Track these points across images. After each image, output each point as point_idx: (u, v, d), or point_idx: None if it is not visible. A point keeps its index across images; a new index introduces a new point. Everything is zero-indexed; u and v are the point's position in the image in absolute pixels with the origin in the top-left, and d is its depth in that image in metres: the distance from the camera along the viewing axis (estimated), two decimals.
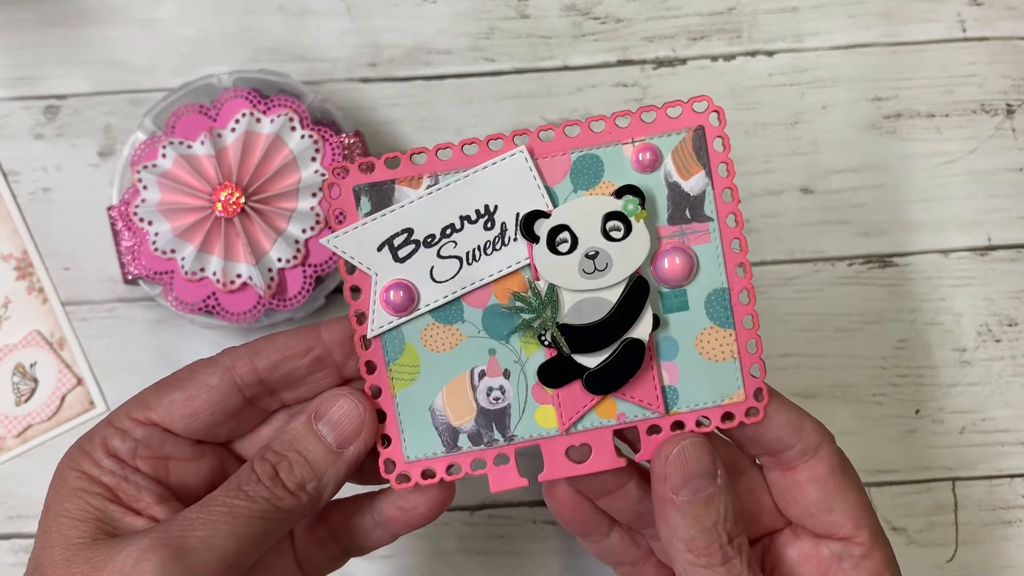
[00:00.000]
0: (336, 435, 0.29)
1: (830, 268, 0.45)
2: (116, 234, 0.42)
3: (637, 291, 0.30)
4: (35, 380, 0.44)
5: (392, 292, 0.30)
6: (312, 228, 0.41)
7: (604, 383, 0.30)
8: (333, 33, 0.46)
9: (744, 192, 0.45)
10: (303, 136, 0.41)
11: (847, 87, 0.46)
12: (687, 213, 0.30)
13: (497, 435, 0.31)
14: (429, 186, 0.30)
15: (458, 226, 0.30)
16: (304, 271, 0.41)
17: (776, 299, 0.44)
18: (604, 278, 0.30)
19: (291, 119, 0.41)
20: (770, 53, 0.46)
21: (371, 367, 0.31)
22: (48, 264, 0.45)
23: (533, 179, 0.30)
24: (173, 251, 0.41)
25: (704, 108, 0.30)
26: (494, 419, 0.31)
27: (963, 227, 0.45)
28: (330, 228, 0.40)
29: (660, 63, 0.46)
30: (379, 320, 0.30)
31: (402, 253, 0.30)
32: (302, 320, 0.43)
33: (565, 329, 0.30)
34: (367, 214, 0.30)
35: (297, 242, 0.41)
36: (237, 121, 0.41)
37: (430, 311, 0.30)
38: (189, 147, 0.41)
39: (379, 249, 0.30)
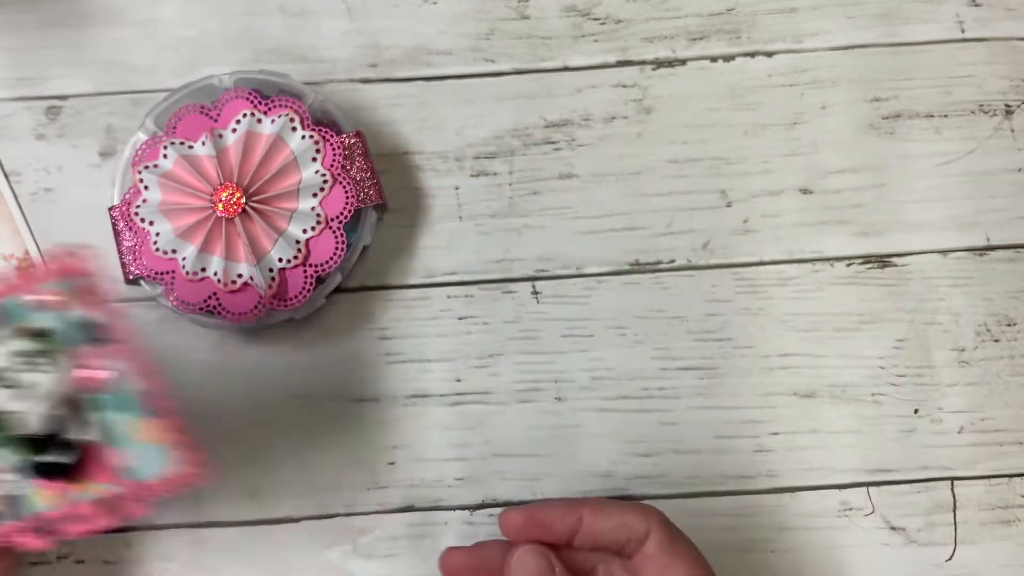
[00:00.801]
0: None
1: (829, 268, 0.45)
2: (117, 234, 0.42)
3: (66, 407, 0.34)
4: None
5: None
6: (313, 228, 0.41)
7: (61, 474, 0.34)
8: (333, 34, 0.47)
9: (743, 193, 0.46)
10: (304, 136, 0.41)
11: (846, 88, 0.46)
12: (96, 338, 0.34)
13: (11, 513, 0.34)
14: None
15: None
16: (305, 271, 0.41)
17: (775, 299, 0.45)
18: (33, 403, 0.33)
19: (292, 119, 0.41)
20: (769, 54, 0.47)
21: None
22: (50, 264, 0.45)
23: None
24: (174, 251, 0.41)
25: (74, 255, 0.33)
26: (9, 502, 0.34)
27: (962, 227, 0.45)
28: (331, 229, 0.41)
29: (660, 64, 0.47)
30: None
31: None
32: (302, 320, 0.44)
33: (21, 441, 0.34)
34: None
35: (298, 242, 0.41)
36: (238, 122, 0.41)
37: None
38: (190, 147, 0.41)
39: None
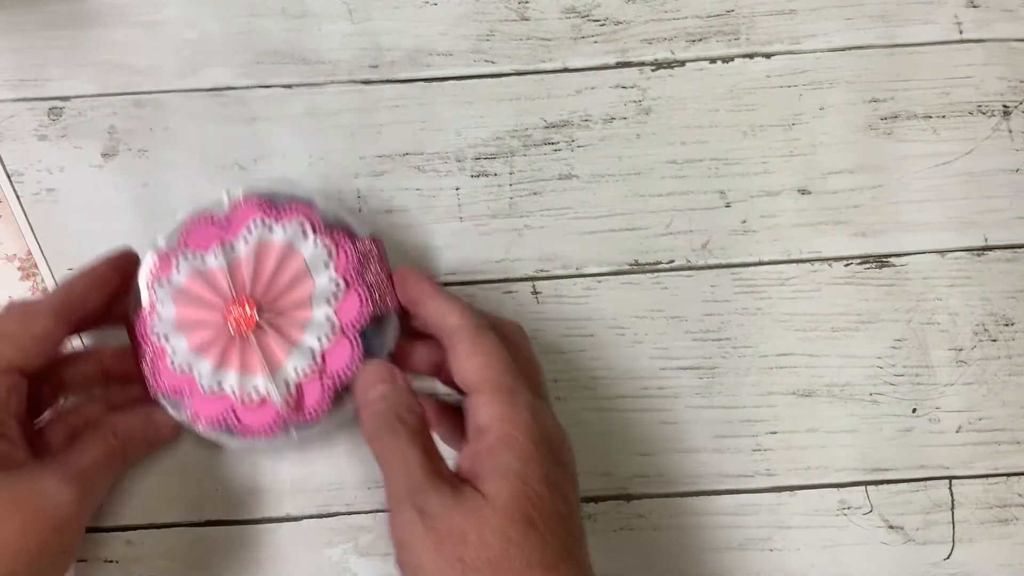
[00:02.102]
0: (157, 437, 0.40)
1: (827, 268, 0.45)
2: (136, 348, 0.41)
3: None
4: None
5: None
6: (328, 337, 0.39)
7: None
8: (335, 35, 0.47)
9: (742, 193, 0.46)
10: (316, 243, 0.40)
11: (844, 89, 0.47)
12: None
13: None
14: None
15: None
16: (323, 382, 0.39)
17: (773, 299, 0.45)
18: None
19: (303, 226, 0.40)
20: (768, 55, 0.47)
21: None
22: (52, 265, 0.45)
23: None
24: (190, 367, 0.39)
25: None
26: None
27: (959, 227, 0.46)
28: (347, 337, 0.40)
29: (659, 65, 0.47)
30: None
31: None
32: (321, 433, 0.41)
33: None
34: None
35: (313, 352, 0.39)
36: (249, 231, 0.40)
37: None
38: (203, 259, 0.40)
39: None
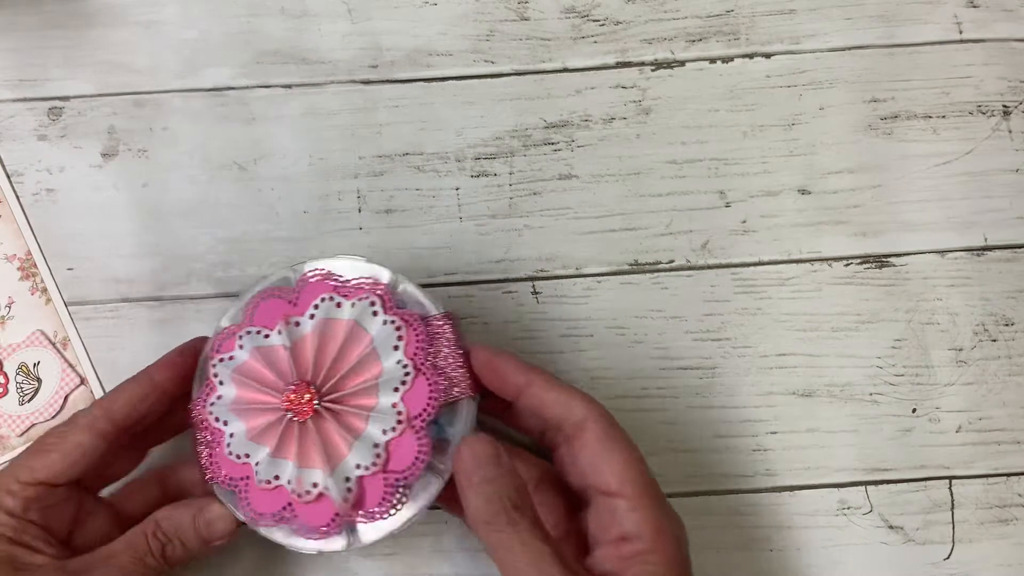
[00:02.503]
0: (209, 533, 0.38)
1: (827, 268, 0.45)
2: (195, 431, 0.39)
3: None
4: (38, 380, 0.45)
5: None
6: (393, 429, 0.36)
7: None
8: (334, 35, 0.47)
9: (742, 193, 0.46)
10: (385, 322, 0.37)
11: (844, 89, 0.47)
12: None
13: None
14: None
15: None
16: (385, 479, 0.36)
17: (773, 299, 0.45)
18: None
19: (372, 303, 0.37)
20: (768, 55, 0.47)
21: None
22: (51, 264, 0.45)
23: None
24: (247, 455, 0.36)
25: None
26: None
27: (959, 228, 0.46)
28: (413, 429, 0.37)
29: (659, 65, 0.47)
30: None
31: None
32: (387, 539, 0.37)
33: None
34: None
35: (377, 445, 0.36)
36: (316, 307, 0.37)
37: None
38: (266, 336, 0.37)
39: None
